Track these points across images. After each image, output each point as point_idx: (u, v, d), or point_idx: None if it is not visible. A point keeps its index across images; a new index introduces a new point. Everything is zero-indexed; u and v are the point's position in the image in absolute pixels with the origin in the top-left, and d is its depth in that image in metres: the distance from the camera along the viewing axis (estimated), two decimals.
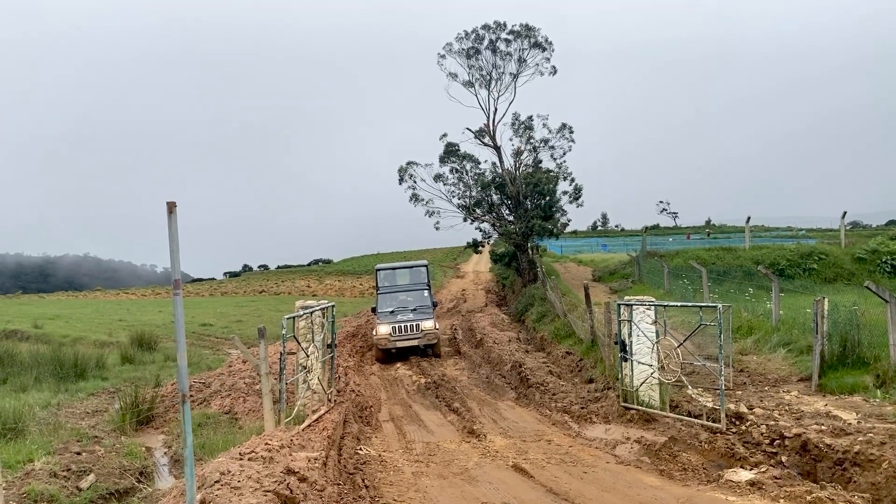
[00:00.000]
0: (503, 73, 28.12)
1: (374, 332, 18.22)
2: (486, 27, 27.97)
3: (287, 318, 9.08)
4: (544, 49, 27.70)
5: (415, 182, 28.05)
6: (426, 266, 20.83)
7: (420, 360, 17.19)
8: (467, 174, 28.44)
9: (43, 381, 13.72)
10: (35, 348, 17.67)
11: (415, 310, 18.24)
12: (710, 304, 9.75)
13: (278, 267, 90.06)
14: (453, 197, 28.23)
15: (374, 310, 19.54)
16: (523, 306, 24.11)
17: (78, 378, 14.30)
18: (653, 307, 10.15)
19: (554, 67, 27.83)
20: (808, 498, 6.35)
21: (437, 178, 28.49)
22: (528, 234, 26.50)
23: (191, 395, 11.74)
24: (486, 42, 28.01)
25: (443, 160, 28.54)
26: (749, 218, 28.99)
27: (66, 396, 12.81)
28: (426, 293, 19.25)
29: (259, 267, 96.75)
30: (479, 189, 27.90)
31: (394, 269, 21.53)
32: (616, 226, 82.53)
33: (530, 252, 27.67)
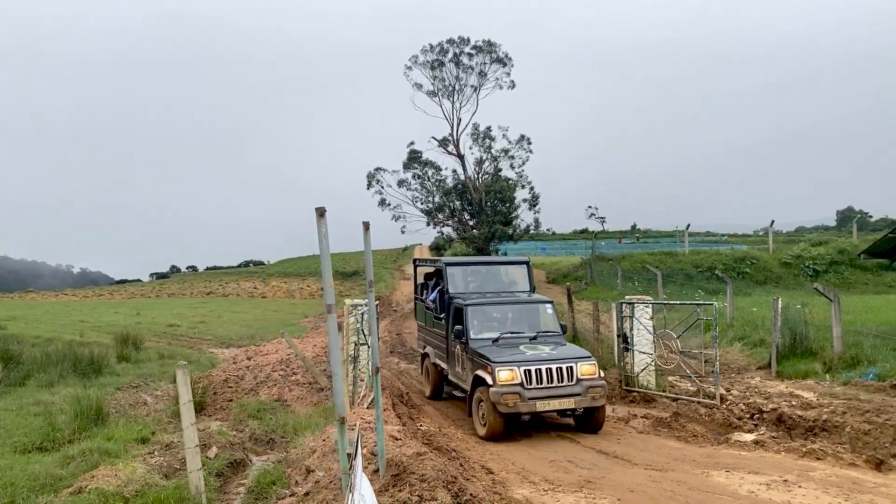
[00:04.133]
0: (465, 85, 29.82)
1: (457, 371, 11.01)
2: (450, 41, 29.58)
3: (352, 316, 10.33)
4: (504, 64, 29.57)
5: (382, 187, 29.30)
6: (528, 264, 12.86)
7: (416, 353, 18.40)
8: (429, 180, 29.96)
9: (66, 377, 14.27)
10: (30, 349, 17.91)
11: (535, 338, 10.48)
12: (707, 303, 11.66)
13: (207, 268, 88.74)
14: (417, 202, 29.67)
15: (422, 330, 13.74)
16: None
17: (96, 374, 14.89)
18: (651, 305, 12.01)
19: (513, 81, 29.77)
20: (804, 450, 8.23)
21: (401, 183, 29.89)
22: (490, 238, 28.25)
23: (237, 386, 12.74)
24: (450, 55, 29.65)
25: (406, 166, 29.97)
26: (688, 225, 31.70)
27: (95, 391, 13.47)
28: (549, 309, 11.28)
29: (188, 268, 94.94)
30: (442, 195, 29.45)
31: (476, 265, 13.31)
32: (548, 230, 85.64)
33: (492, 255, 29.41)
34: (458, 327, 10.76)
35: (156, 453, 7.65)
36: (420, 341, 14.21)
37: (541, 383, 9.41)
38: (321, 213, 4.30)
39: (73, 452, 7.73)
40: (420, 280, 14.52)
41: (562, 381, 9.46)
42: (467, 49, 29.56)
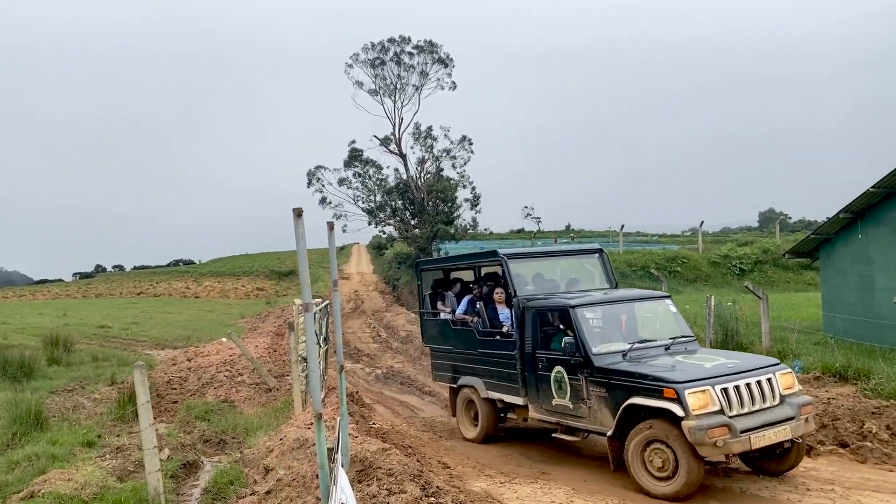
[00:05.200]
0: (407, 84, 29.92)
1: (560, 404, 7.93)
2: (391, 40, 29.63)
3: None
4: (446, 65, 29.83)
5: (322, 186, 29.11)
6: (602, 252, 10.29)
7: (360, 353, 18.43)
8: (370, 179, 29.95)
9: None
10: None
11: (669, 347, 7.85)
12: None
13: (135, 267, 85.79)
14: (358, 201, 29.61)
15: (444, 354, 10.39)
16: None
17: (27, 378, 14.32)
18: None
19: (454, 82, 30.04)
20: None
21: (342, 181, 29.76)
22: (432, 237, 28.45)
23: (181, 387, 12.49)
24: (391, 54, 29.68)
25: (347, 164, 29.85)
26: (623, 226, 32.72)
27: (29, 395, 12.98)
28: (672, 306, 8.72)
29: (114, 267, 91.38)
30: (383, 194, 29.49)
31: (541, 256, 10.31)
32: (486, 229, 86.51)
33: (433, 255, 29.61)
34: (568, 340, 7.62)
35: (107, 456, 7.49)
36: (441, 370, 10.41)
37: (742, 406, 6.54)
38: (298, 213, 4.31)
39: (18, 457, 7.49)
40: (427, 290, 11.19)
41: (764, 402, 6.70)
42: (409, 48, 29.69)
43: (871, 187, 13.60)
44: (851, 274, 15.09)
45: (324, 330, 11.66)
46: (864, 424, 8.34)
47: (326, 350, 11.81)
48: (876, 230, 14.34)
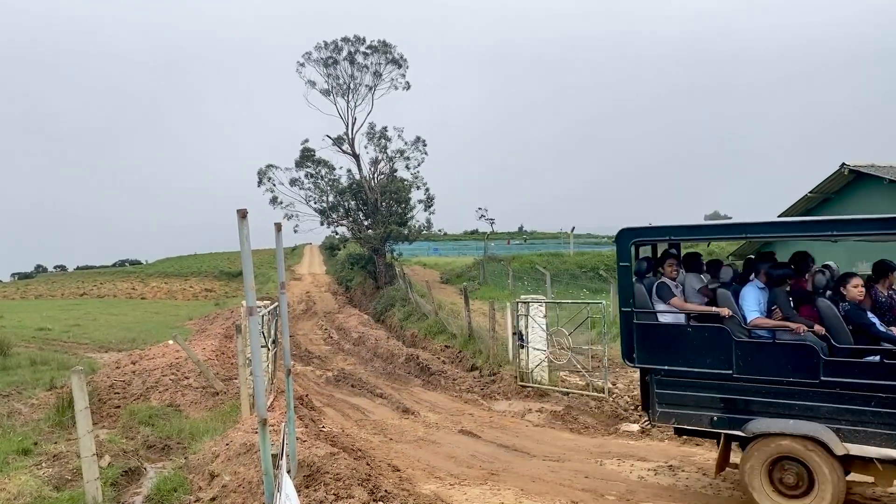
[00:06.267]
0: (360, 84, 29.72)
1: None
2: (345, 39, 29.38)
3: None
4: (400, 66, 29.72)
5: (273, 185, 28.69)
6: None
7: (311, 355, 18.26)
8: (322, 179, 29.64)
9: None
10: None
11: None
12: (595, 302, 12.33)
13: (78, 267, 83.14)
14: (310, 201, 29.27)
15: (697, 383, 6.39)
16: (383, 307, 25.82)
17: None
18: (544, 304, 12.57)
19: (408, 83, 29.95)
20: (685, 437, 8.93)
21: (294, 182, 29.39)
22: (386, 238, 28.33)
23: (125, 391, 12.12)
24: (344, 53, 29.43)
25: (299, 164, 29.49)
26: (573, 227, 33.17)
27: None
28: None
29: (55, 267, 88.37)
30: (336, 194, 29.24)
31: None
32: (440, 230, 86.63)
33: (387, 256, 29.50)
34: None
35: (43, 464, 7.21)
36: (687, 406, 6.47)
37: None
38: (243, 214, 4.27)
39: None
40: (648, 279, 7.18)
41: None
42: (362, 48, 29.47)
43: (809, 192, 14.12)
44: None
45: (272, 332, 11.48)
46: None
47: (275, 352, 11.62)
48: None
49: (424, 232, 29.54)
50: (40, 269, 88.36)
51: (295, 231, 28.61)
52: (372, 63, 29.60)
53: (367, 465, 7.49)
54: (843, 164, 13.19)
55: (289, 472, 6.02)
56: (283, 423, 5.91)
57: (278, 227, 5.98)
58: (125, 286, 48.88)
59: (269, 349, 10.98)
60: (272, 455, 4.09)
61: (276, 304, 11.65)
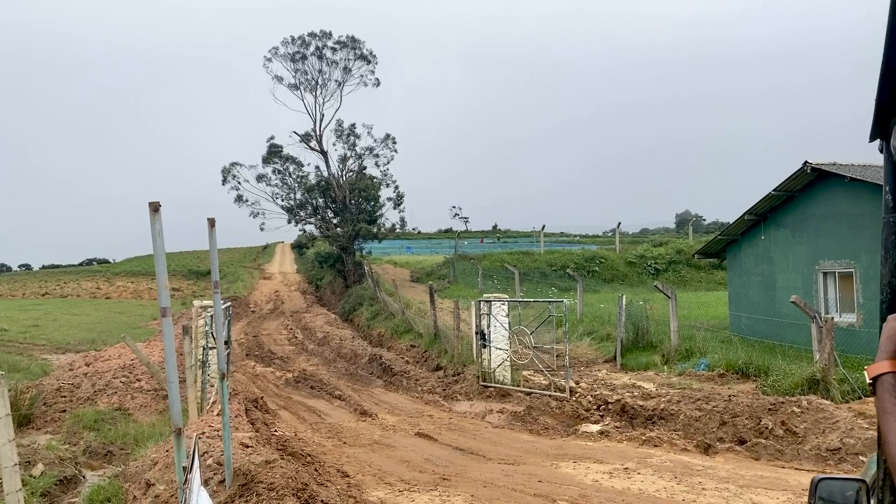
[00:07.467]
0: (329, 79, 29.30)
1: None
2: (312, 34, 28.95)
3: (202, 318, 9.77)
4: (369, 62, 29.36)
5: (238, 183, 28.16)
6: None
7: (273, 356, 17.88)
8: (290, 176, 29.18)
9: None
10: None
11: None
12: (557, 300, 12.16)
13: (44, 266, 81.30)
14: (277, 199, 28.79)
15: None
16: (351, 306, 25.48)
17: None
18: (507, 303, 12.36)
19: (377, 80, 29.62)
20: (643, 438, 8.78)
21: (260, 178, 28.88)
22: (354, 236, 27.96)
23: (72, 395, 11.67)
24: (312, 48, 28.98)
25: (266, 161, 28.99)
26: (543, 226, 33.07)
27: None
28: None
29: (20, 266, 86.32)
30: (304, 192, 28.79)
31: None
32: (413, 228, 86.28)
33: (356, 254, 29.13)
34: None
35: None
36: None
37: None
38: (155, 208, 4.05)
39: None
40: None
41: None
42: (330, 43, 29.07)
43: (773, 190, 14.08)
44: (755, 274, 15.60)
45: (226, 333, 11.12)
46: (760, 421, 8.53)
47: (228, 353, 11.26)
48: (777, 232, 14.86)
49: (397, 230, 29.21)
50: (4, 269, 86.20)
51: (261, 229, 28.14)
52: (341, 59, 29.22)
53: (315, 470, 7.21)
54: (806, 162, 13.16)
55: (222, 481, 5.72)
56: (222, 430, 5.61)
57: (211, 222, 5.68)
58: (90, 285, 47.87)
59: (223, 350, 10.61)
60: (183, 467, 3.80)
61: (229, 304, 11.29)
